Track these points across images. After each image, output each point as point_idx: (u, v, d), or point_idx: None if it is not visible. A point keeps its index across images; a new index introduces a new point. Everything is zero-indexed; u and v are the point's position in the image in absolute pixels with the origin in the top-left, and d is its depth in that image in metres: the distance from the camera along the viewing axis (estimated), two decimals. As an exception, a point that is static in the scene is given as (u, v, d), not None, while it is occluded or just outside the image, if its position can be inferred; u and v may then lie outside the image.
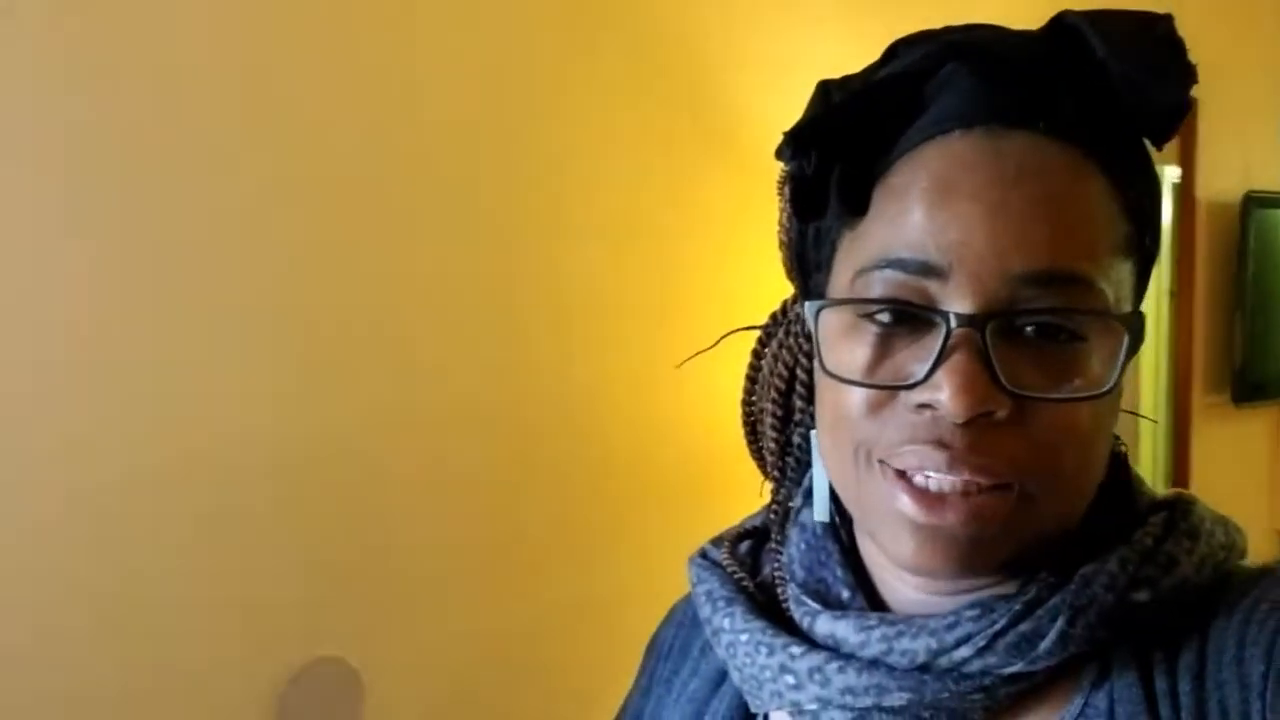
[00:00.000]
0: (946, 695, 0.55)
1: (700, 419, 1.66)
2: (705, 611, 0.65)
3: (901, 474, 0.53)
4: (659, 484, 1.71)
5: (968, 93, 0.54)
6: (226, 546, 1.40)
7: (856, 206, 0.55)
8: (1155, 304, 2.66)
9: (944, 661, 0.55)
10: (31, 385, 1.30)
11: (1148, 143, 0.57)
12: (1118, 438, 0.59)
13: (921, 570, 0.54)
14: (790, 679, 0.58)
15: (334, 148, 1.47)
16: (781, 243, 0.63)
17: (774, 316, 0.70)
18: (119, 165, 1.33)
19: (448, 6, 1.55)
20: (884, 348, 0.54)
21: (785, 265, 0.64)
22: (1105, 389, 0.53)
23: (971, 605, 0.55)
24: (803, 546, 0.64)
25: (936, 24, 0.58)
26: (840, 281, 0.57)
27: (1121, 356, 0.53)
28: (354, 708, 1.49)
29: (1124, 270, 0.55)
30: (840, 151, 0.55)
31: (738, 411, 0.71)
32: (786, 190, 0.59)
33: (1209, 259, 2.78)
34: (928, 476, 0.52)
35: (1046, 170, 0.53)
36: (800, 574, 0.63)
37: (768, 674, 0.60)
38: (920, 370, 0.52)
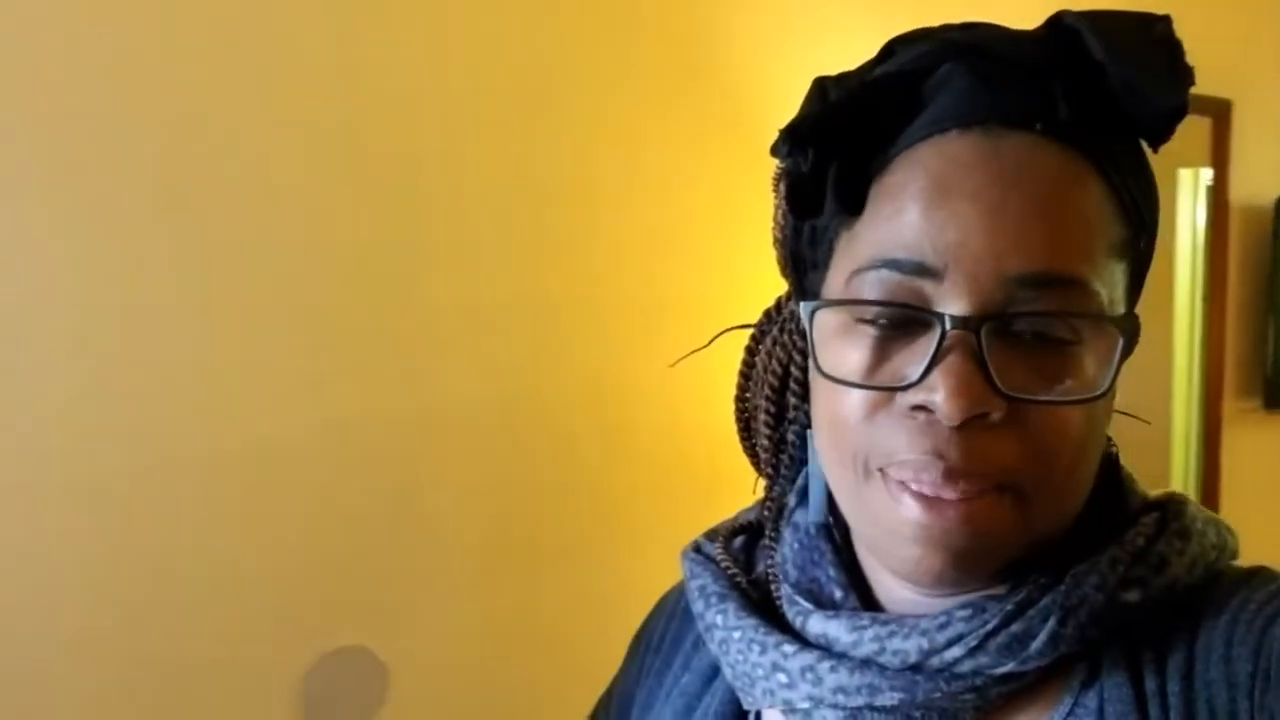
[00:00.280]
0: (938, 695, 0.55)
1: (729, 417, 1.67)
2: (698, 607, 0.66)
3: (900, 483, 0.53)
4: (691, 479, 1.72)
5: (965, 92, 0.54)
6: (253, 537, 1.42)
7: (853, 205, 0.55)
8: (1189, 308, 2.62)
9: (935, 661, 0.55)
10: (62, 378, 1.32)
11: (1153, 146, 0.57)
12: (1109, 438, 0.59)
13: (922, 579, 0.54)
14: (782, 677, 0.59)
15: (366, 148, 1.49)
16: (776, 240, 0.63)
17: (768, 313, 0.70)
18: (158, 162, 1.36)
19: (480, 9, 1.57)
20: (879, 349, 0.54)
21: (779, 263, 0.64)
22: (1099, 391, 0.53)
23: (963, 605, 0.55)
24: (796, 546, 0.64)
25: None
26: (836, 281, 0.57)
27: (1116, 359, 0.53)
28: (378, 696, 1.50)
29: (1119, 272, 0.55)
30: (837, 149, 0.55)
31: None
32: (782, 188, 0.60)
33: (1242, 263, 2.74)
34: (924, 488, 0.52)
35: (1044, 171, 0.52)
36: (793, 574, 0.63)
37: (760, 671, 0.60)
38: (915, 372, 0.52)
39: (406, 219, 1.53)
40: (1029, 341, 0.52)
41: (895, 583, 0.59)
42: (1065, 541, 0.56)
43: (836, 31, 1.83)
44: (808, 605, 0.61)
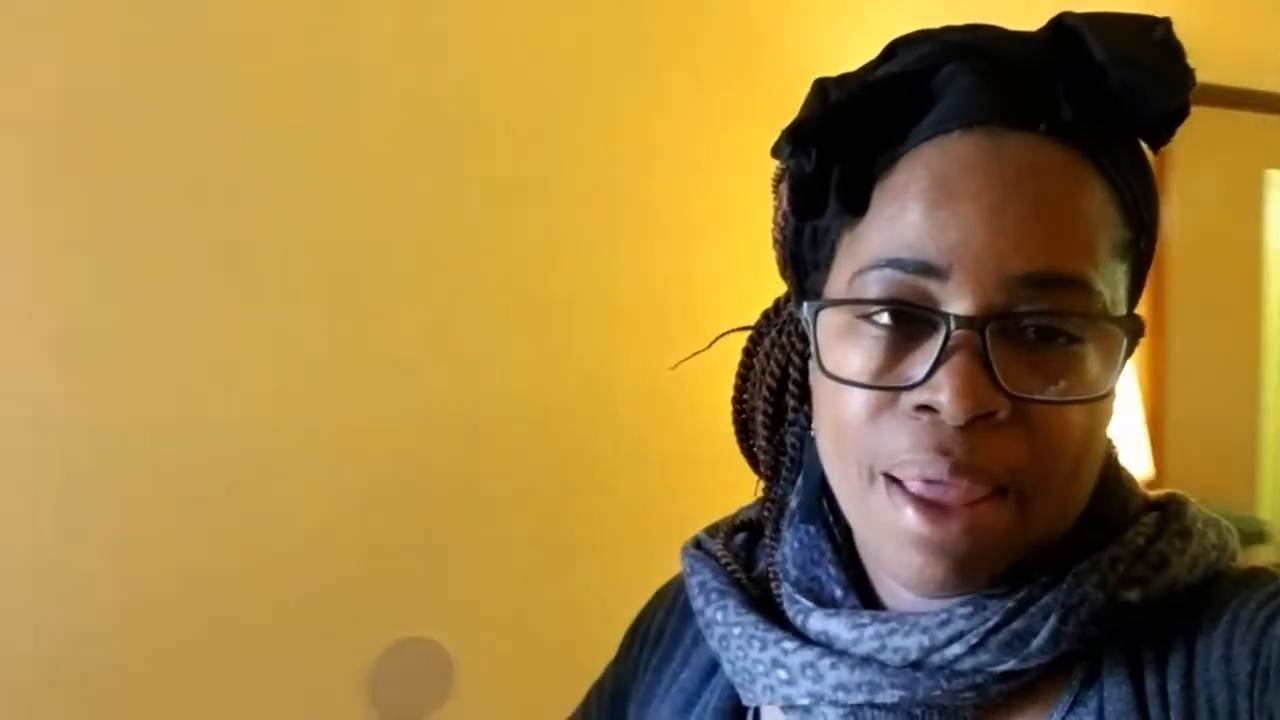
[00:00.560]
0: (938, 693, 0.55)
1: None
2: (698, 603, 0.66)
3: (905, 489, 0.53)
4: (747, 475, 1.73)
5: (968, 93, 0.54)
6: (326, 530, 1.47)
7: (856, 206, 0.55)
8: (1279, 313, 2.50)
9: (936, 659, 0.55)
10: (131, 369, 1.38)
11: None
12: (1109, 439, 0.59)
13: (924, 587, 0.54)
14: (783, 674, 0.59)
15: (426, 142, 1.51)
16: (776, 241, 0.63)
17: (766, 315, 0.70)
18: (202, 154, 1.40)
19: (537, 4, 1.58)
20: (883, 350, 0.54)
21: (779, 264, 0.64)
22: (1102, 391, 0.53)
23: (964, 603, 0.55)
24: (796, 545, 0.64)
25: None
26: (838, 282, 0.57)
27: (1120, 359, 0.54)
28: (444, 687, 1.53)
29: (1121, 273, 0.55)
30: (839, 150, 0.55)
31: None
32: (783, 188, 0.60)
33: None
34: (928, 483, 0.52)
35: (1046, 171, 0.53)
36: (794, 573, 0.63)
37: (760, 668, 0.60)
38: (920, 372, 0.52)
39: (472, 214, 1.55)
40: (1032, 341, 0.52)
41: (896, 583, 0.59)
42: (1066, 541, 0.56)
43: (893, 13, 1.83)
44: (808, 603, 0.61)
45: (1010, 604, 0.54)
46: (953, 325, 0.51)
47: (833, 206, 0.56)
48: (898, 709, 0.56)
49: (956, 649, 0.55)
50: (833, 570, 0.62)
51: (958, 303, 0.52)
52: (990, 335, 0.51)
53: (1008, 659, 0.54)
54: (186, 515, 1.40)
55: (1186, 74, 0.54)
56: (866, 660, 0.57)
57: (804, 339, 0.61)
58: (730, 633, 0.62)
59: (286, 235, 1.45)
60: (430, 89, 1.53)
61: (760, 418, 0.68)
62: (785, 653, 0.59)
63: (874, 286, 0.54)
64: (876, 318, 0.54)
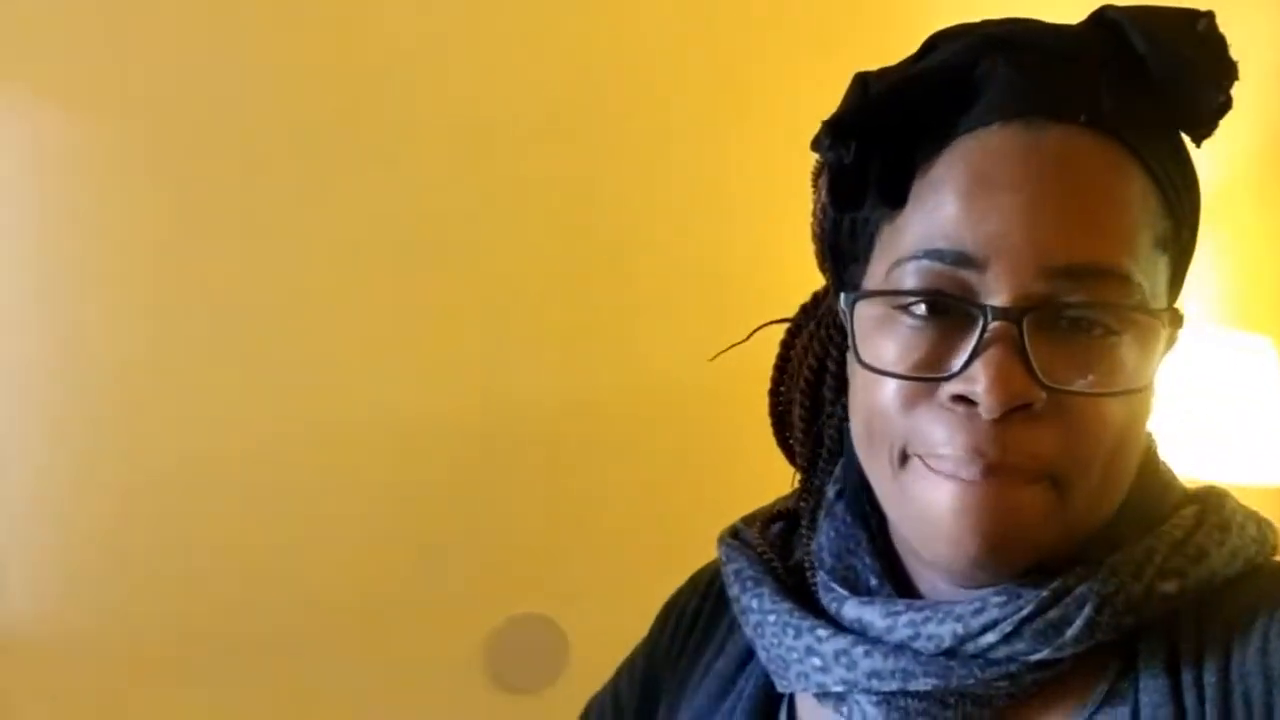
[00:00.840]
0: (972, 681, 0.55)
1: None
2: (734, 590, 0.66)
3: (937, 472, 0.54)
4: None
5: (1007, 85, 0.54)
6: (449, 509, 1.54)
7: (895, 198, 0.56)
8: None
9: (970, 647, 0.55)
10: (256, 363, 1.45)
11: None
12: (1149, 432, 0.59)
13: (956, 568, 0.54)
14: (817, 661, 0.59)
15: (502, 142, 1.55)
16: (815, 234, 0.63)
17: (804, 309, 0.70)
18: (282, 161, 1.45)
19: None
20: (920, 339, 0.54)
21: (818, 257, 0.64)
22: (1140, 384, 0.53)
23: (998, 591, 0.56)
24: (832, 534, 0.64)
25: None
26: (876, 273, 0.58)
27: (1159, 352, 0.54)
28: (559, 663, 1.57)
29: (1161, 266, 0.55)
30: (879, 143, 0.55)
31: None
32: (822, 181, 0.60)
33: None
34: (963, 478, 0.53)
35: (1085, 163, 0.53)
36: (829, 561, 0.63)
37: (794, 655, 0.60)
38: (957, 363, 0.52)
39: (582, 219, 1.59)
40: (1069, 332, 0.52)
41: (931, 572, 0.59)
42: (1104, 533, 0.56)
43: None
44: (843, 591, 0.61)
45: (1045, 593, 0.54)
46: (990, 316, 0.51)
47: (872, 199, 0.56)
48: (931, 697, 0.56)
49: (991, 637, 0.55)
50: (868, 559, 0.62)
51: (995, 294, 0.52)
52: (1028, 326, 0.51)
53: (1042, 648, 0.54)
54: (320, 494, 1.48)
55: (1229, 67, 0.54)
56: (900, 648, 0.57)
57: (842, 332, 0.61)
58: (765, 620, 0.63)
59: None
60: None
61: (798, 410, 0.69)
62: (819, 640, 0.59)
63: (911, 277, 0.54)
64: (913, 308, 0.54)
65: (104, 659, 1.40)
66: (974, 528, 0.53)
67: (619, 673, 0.79)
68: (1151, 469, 0.60)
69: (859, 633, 0.59)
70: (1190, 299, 0.59)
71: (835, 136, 0.56)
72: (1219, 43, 0.54)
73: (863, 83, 0.58)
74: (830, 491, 0.67)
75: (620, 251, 1.61)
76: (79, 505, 1.40)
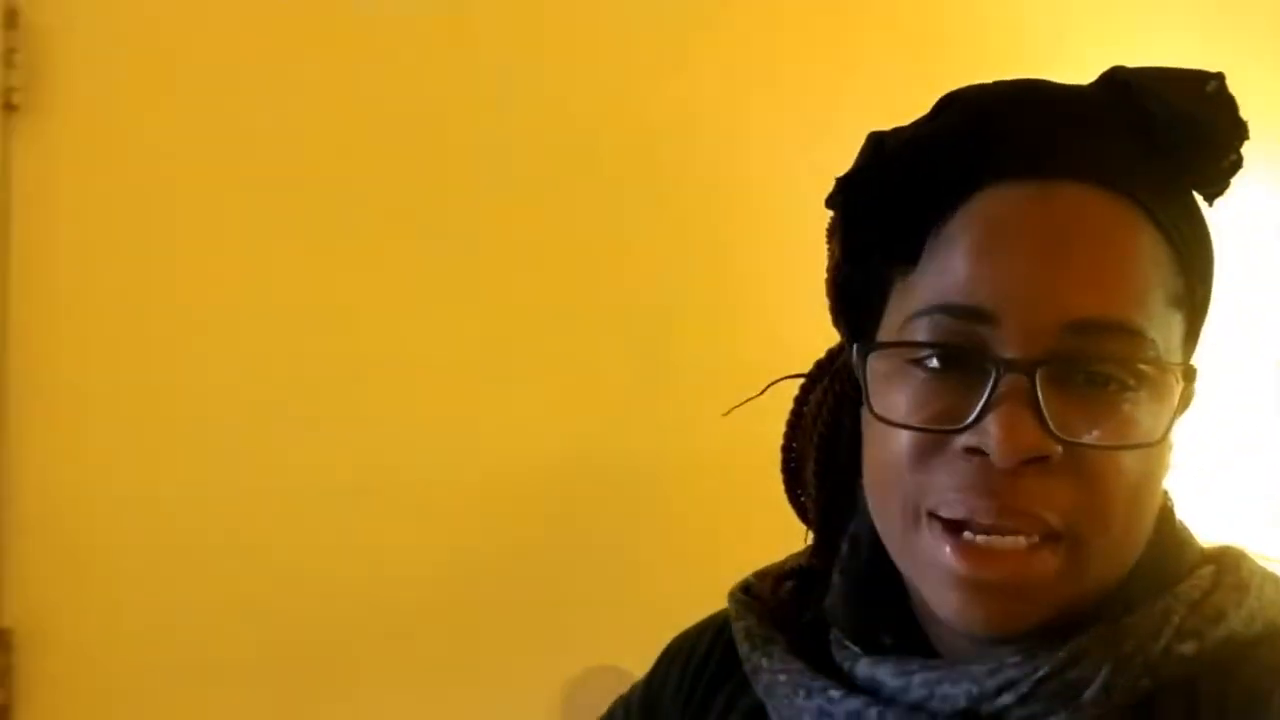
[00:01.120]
0: None
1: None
2: (744, 649, 0.65)
3: (949, 528, 0.53)
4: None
5: (1020, 145, 0.55)
6: (522, 559, 1.57)
7: (908, 255, 0.56)
8: None
9: (986, 708, 0.54)
10: (348, 398, 1.50)
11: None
12: (1165, 491, 0.59)
13: (967, 626, 0.54)
14: None
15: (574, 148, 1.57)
16: (829, 288, 0.64)
17: (819, 364, 0.70)
18: (368, 208, 1.50)
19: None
20: (933, 392, 0.54)
21: (832, 311, 0.64)
22: (1155, 439, 0.53)
23: (1014, 652, 0.55)
24: (846, 591, 0.64)
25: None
26: (890, 328, 0.58)
27: (1173, 407, 0.54)
28: None
29: (1174, 322, 0.55)
30: (893, 200, 0.56)
31: None
32: (837, 237, 0.61)
33: None
34: (975, 534, 0.52)
35: (1097, 220, 0.53)
36: (842, 618, 0.63)
37: (806, 716, 0.59)
38: (970, 415, 0.52)
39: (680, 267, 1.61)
40: (1083, 387, 0.52)
41: (947, 630, 0.59)
42: (1120, 592, 0.55)
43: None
44: (856, 649, 0.60)
45: (1062, 654, 0.53)
46: (1003, 369, 0.52)
47: (885, 256, 0.57)
48: None
49: (1007, 698, 0.54)
50: (881, 616, 0.62)
51: (1008, 348, 0.52)
52: (1041, 379, 0.51)
53: (1059, 710, 0.53)
54: (399, 541, 1.52)
55: (1239, 127, 0.55)
56: (915, 708, 0.56)
57: (857, 388, 0.61)
58: (776, 680, 0.62)
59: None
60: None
61: (811, 465, 0.68)
62: (831, 700, 0.59)
63: (924, 332, 0.55)
64: (927, 361, 0.55)
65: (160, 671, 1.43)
66: (981, 592, 0.52)
67: (612, 709, 0.79)
68: (1169, 527, 0.60)
69: (872, 692, 0.58)
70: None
71: (849, 193, 0.57)
72: (1229, 103, 0.55)
73: (877, 141, 0.59)
74: (843, 546, 0.66)
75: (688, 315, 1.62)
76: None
